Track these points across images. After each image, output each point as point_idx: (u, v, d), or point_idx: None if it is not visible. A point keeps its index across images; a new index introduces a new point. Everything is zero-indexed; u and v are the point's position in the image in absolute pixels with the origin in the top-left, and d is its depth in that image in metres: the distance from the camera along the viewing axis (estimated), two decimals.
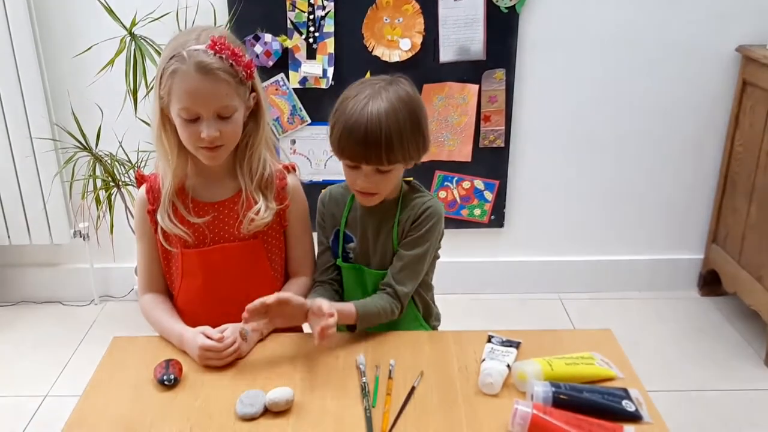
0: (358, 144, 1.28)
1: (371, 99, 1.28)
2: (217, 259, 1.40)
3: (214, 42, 1.26)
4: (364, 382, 1.21)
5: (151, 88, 2.23)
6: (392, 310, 1.38)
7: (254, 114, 1.37)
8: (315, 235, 1.54)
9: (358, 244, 1.44)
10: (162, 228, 1.37)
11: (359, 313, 1.34)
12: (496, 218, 2.68)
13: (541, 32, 2.44)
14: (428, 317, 1.54)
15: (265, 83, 2.43)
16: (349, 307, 1.34)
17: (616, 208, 2.71)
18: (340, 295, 1.49)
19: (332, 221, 1.47)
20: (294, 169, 1.47)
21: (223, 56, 1.26)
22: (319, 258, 1.52)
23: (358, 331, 1.35)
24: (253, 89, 1.35)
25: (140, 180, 1.44)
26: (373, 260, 1.44)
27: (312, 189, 2.57)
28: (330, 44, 2.40)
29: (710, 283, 2.74)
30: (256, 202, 1.38)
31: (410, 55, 2.40)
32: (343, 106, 1.31)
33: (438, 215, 1.40)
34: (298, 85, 2.45)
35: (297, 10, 2.36)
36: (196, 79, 1.25)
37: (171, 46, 1.28)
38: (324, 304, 1.25)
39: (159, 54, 2.16)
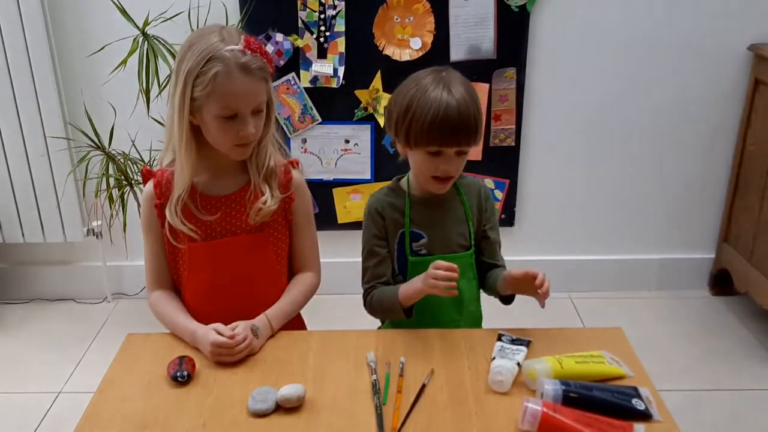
0: (453, 127, 1.32)
1: (450, 86, 1.33)
2: (224, 252, 1.41)
3: (248, 42, 1.29)
4: (375, 380, 1.21)
5: (164, 87, 2.25)
6: None
7: (267, 107, 1.39)
8: (361, 247, 1.49)
9: (430, 237, 1.45)
10: (170, 223, 1.39)
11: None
12: (507, 217, 2.68)
13: (552, 31, 2.44)
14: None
15: (277, 82, 2.44)
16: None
17: (626, 207, 2.70)
18: None
19: (395, 227, 1.46)
20: (298, 164, 1.49)
21: (258, 55, 1.29)
22: (375, 269, 1.47)
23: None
24: None
25: (147, 175, 1.44)
26: (451, 246, 1.46)
27: (321, 188, 2.63)
28: (341, 44, 2.41)
29: (721, 282, 2.73)
30: (263, 194, 1.39)
31: (421, 54, 2.41)
32: (420, 98, 1.33)
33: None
34: (309, 85, 2.46)
35: (308, 10, 2.37)
36: (240, 78, 1.28)
37: (198, 49, 1.28)
38: (514, 271, 1.35)
39: (171, 54, 2.18)
